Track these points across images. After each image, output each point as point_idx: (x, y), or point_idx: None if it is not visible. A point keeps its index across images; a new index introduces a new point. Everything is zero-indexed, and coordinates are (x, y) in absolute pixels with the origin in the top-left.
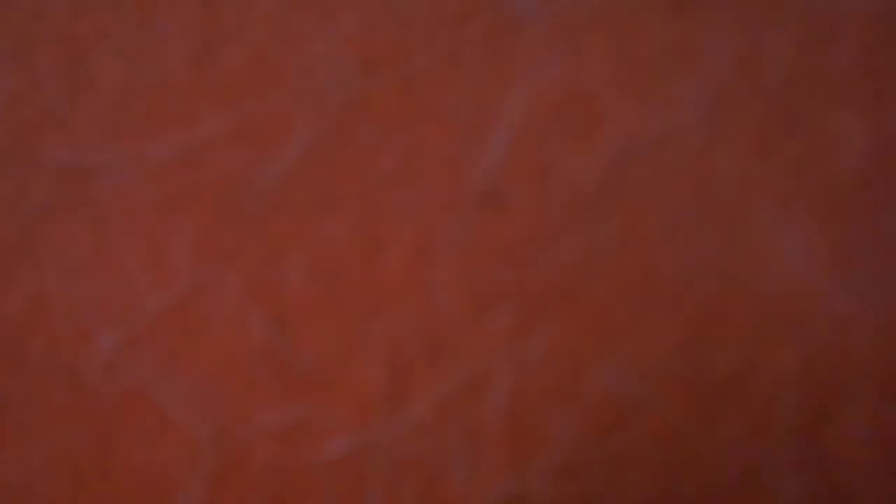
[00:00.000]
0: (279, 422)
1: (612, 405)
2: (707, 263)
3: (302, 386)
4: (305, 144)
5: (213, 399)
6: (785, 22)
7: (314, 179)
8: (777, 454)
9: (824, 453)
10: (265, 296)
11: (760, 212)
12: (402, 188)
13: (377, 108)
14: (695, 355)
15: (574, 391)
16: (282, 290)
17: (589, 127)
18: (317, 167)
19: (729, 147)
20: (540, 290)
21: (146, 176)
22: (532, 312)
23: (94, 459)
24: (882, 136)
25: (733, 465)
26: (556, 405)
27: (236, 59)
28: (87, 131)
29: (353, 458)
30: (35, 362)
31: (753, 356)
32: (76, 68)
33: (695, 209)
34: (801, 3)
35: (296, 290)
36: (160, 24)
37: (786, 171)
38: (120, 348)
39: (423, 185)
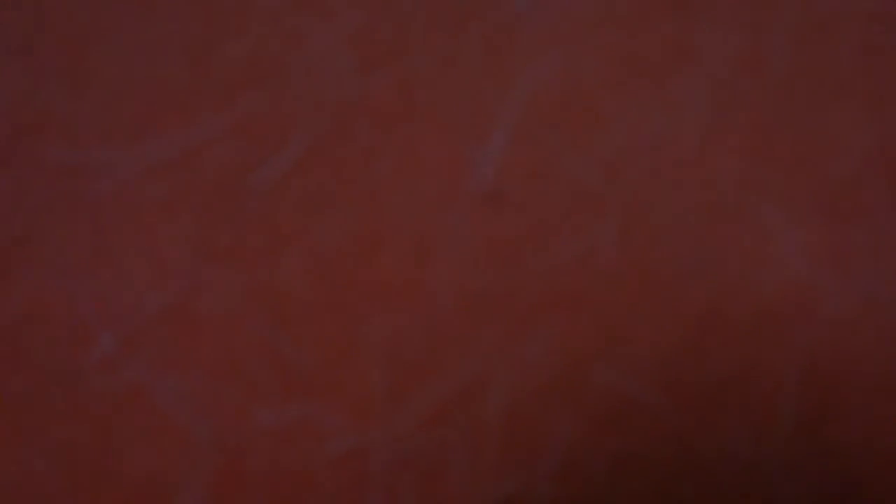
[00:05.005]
0: (279, 421)
1: (612, 405)
2: (707, 263)
3: (301, 386)
4: (304, 144)
5: (212, 399)
6: (785, 22)
7: (313, 179)
8: (777, 454)
9: (824, 453)
10: (264, 295)
11: (760, 212)
12: (401, 188)
13: (376, 108)
14: (695, 355)
15: (573, 391)
16: (281, 290)
17: (589, 127)
18: (316, 167)
19: (729, 146)
20: (539, 289)
21: (146, 175)
22: (532, 312)
23: (93, 459)
24: (882, 136)
25: (733, 465)
26: (556, 405)
27: (236, 58)
28: (87, 131)
29: (352, 458)
30: (34, 362)
31: (753, 356)
32: (76, 68)
33: (695, 209)
34: (801, 3)
35: (295, 290)
36: (160, 24)
37: (786, 171)
38: (119, 348)
39: (422, 185)
